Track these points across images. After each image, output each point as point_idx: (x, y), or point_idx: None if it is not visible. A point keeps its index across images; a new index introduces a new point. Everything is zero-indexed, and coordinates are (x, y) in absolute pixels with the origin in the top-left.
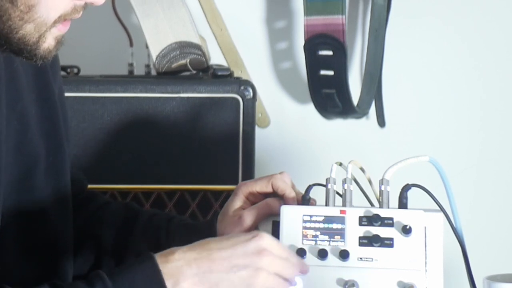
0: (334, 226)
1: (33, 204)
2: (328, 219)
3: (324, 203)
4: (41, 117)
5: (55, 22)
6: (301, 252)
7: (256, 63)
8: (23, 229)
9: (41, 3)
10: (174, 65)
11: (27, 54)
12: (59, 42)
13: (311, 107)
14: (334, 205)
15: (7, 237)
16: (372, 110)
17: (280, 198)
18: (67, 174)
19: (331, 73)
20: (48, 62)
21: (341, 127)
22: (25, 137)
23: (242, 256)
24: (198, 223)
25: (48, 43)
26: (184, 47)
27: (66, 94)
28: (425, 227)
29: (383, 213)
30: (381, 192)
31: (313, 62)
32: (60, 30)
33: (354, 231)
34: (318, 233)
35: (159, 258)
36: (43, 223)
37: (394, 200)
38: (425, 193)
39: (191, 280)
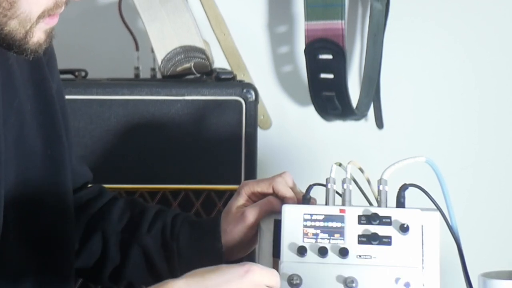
0: (334, 224)
1: (31, 197)
2: (328, 218)
3: (324, 202)
4: (38, 112)
5: (39, 17)
6: (302, 250)
7: (258, 67)
8: (22, 221)
9: None
10: (179, 68)
11: (17, 49)
12: (49, 35)
13: (311, 109)
14: (334, 204)
15: (8, 229)
16: (371, 112)
17: (281, 200)
18: (66, 167)
19: (331, 76)
20: (39, 56)
21: (340, 128)
22: (22, 132)
23: None
24: (203, 220)
25: (38, 37)
26: (188, 51)
27: (74, 97)
28: (422, 226)
29: (382, 212)
30: (379, 191)
31: (314, 66)
32: (48, 23)
33: (353, 229)
34: (318, 231)
35: None
36: (41, 216)
37: (392, 200)
38: (422, 192)
39: None
